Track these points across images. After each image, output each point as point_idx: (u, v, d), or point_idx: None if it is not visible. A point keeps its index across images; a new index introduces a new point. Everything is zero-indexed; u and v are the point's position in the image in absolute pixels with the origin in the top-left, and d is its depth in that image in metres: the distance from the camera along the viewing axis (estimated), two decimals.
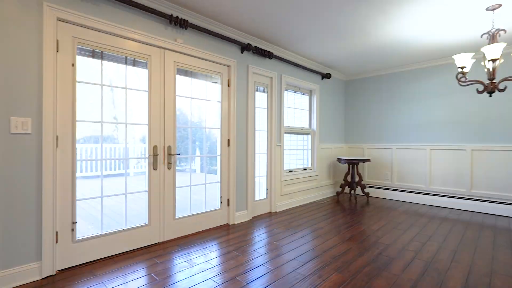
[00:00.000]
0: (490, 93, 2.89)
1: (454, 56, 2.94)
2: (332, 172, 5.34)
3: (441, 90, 4.53)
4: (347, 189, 5.55)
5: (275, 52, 3.97)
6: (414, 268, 2.23)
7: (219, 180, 3.29)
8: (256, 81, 3.73)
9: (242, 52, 3.48)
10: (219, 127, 3.29)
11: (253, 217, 3.71)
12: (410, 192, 4.72)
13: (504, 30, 2.75)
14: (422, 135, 4.69)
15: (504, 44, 2.61)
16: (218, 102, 3.30)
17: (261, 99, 3.88)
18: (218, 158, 3.30)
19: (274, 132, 3.94)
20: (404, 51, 4.13)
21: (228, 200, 3.35)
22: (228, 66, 3.34)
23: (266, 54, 3.67)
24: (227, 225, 3.35)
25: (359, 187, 5.28)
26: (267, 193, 3.92)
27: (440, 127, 4.52)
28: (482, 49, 2.76)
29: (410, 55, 4.30)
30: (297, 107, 4.64)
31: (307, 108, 4.81)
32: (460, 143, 4.32)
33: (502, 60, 2.83)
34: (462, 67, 2.95)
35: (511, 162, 3.90)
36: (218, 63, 3.23)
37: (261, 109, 3.89)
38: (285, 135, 4.31)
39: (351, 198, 5.03)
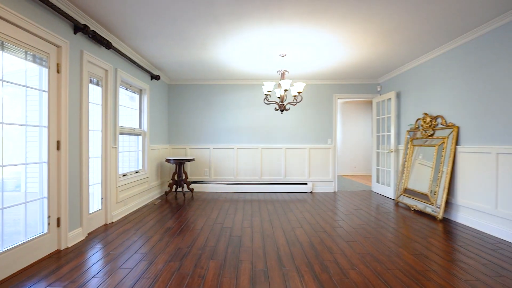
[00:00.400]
0: (282, 111, 4.33)
1: (264, 83, 4.11)
2: (160, 172, 5.37)
3: (246, 103, 5.94)
4: (174, 188, 5.78)
5: (114, 43, 3.49)
6: (256, 239, 3.00)
7: (45, 196, 2.47)
8: (90, 71, 3.11)
9: (75, 33, 2.80)
10: (46, 125, 2.47)
11: (89, 234, 3.08)
12: (224, 183, 5.79)
13: (288, 71, 4.24)
14: (232, 137, 5.91)
15: (290, 81, 4.04)
16: (44, 91, 2.47)
17: (94, 93, 3.27)
18: (43, 166, 2.47)
19: (110, 133, 3.45)
20: (225, 69, 5.04)
21: (59, 219, 2.60)
22: (58, 46, 2.58)
23: (104, 43, 3.17)
24: (58, 251, 2.59)
25: (185, 185, 5.69)
26: (102, 202, 3.36)
27: (244, 132, 5.92)
28: (280, 82, 4.09)
29: (228, 73, 5.31)
30: (129, 106, 4.27)
31: (137, 108, 4.54)
32: (255, 143, 5.91)
33: (288, 90, 4.33)
34: (269, 91, 4.19)
35: (283, 157, 5.91)
36: (45, 39, 2.42)
37: (94, 106, 3.27)
38: (119, 136, 3.87)
39: (177, 195, 5.33)
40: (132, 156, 4.38)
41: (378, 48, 3.99)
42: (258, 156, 5.89)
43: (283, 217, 3.89)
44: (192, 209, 4.31)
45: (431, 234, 3.17)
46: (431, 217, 3.87)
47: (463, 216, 3.57)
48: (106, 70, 3.41)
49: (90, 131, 3.14)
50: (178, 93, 5.93)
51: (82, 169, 2.92)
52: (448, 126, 3.88)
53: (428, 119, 4.29)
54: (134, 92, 4.44)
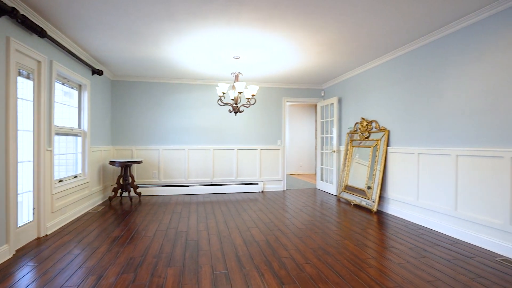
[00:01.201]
0: (236, 113, 4.36)
1: (218, 84, 4.08)
2: (103, 176, 4.89)
3: (198, 103, 5.80)
4: (119, 193, 5.30)
5: (49, 32, 3.06)
6: (214, 241, 2.97)
7: None
8: (19, 62, 2.67)
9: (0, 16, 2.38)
10: None
11: (18, 251, 2.64)
12: (175, 186, 5.56)
13: (241, 73, 4.29)
14: (183, 138, 5.71)
15: (244, 83, 4.09)
16: None
17: (24, 88, 2.81)
18: None
19: (43, 133, 3.02)
20: (178, 67, 4.84)
21: None
22: None
23: (37, 30, 2.76)
24: None
25: (132, 189, 5.28)
26: (34, 213, 2.92)
27: (196, 132, 5.77)
28: (235, 84, 4.12)
29: (181, 72, 5.11)
30: (66, 103, 3.79)
31: (76, 106, 4.06)
32: (207, 144, 5.82)
33: (242, 92, 4.39)
34: (223, 93, 4.17)
35: (235, 158, 5.94)
36: None
37: (24, 102, 2.82)
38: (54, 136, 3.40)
39: (122, 200, 4.93)
40: (70, 159, 3.90)
41: (325, 56, 4.31)
42: (210, 157, 5.82)
43: (238, 217, 3.93)
44: (142, 214, 4.04)
45: (368, 225, 3.56)
46: (368, 210, 4.34)
47: (393, 208, 4.10)
48: (39, 62, 2.97)
49: (19, 131, 2.71)
50: (124, 90, 5.49)
51: (9, 175, 2.50)
52: (381, 129, 4.41)
53: (365, 123, 4.81)
54: (72, 88, 3.96)
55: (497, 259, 2.52)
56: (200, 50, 3.97)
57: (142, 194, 5.38)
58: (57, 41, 3.19)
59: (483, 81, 2.85)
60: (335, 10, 2.80)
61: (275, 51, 4.05)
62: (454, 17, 2.96)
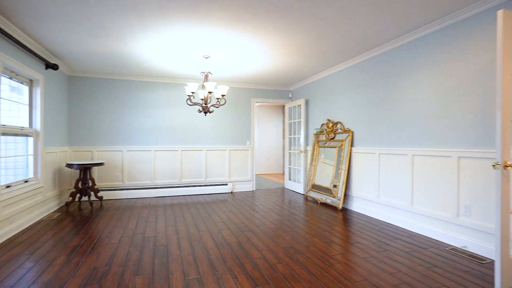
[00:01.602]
0: (205, 113, 4.28)
1: (187, 83, 3.97)
2: (58, 180, 4.47)
3: (166, 103, 5.58)
4: (78, 197, 4.88)
5: None
6: (184, 245, 2.88)
7: None
8: None
9: None
10: None
11: None
12: (140, 188, 5.28)
13: (211, 73, 4.22)
14: (149, 138, 5.45)
15: (215, 83, 4.02)
16: None
17: None
18: None
19: None
20: (144, 65, 4.61)
21: None
22: None
23: None
24: None
25: (92, 193, 4.90)
26: None
27: (163, 132, 5.55)
28: (205, 84, 4.03)
29: (147, 69, 4.87)
30: (15, 100, 3.39)
31: (27, 103, 3.66)
32: (175, 145, 5.63)
33: (212, 92, 4.31)
34: (192, 92, 4.06)
35: (204, 159, 5.82)
36: None
37: None
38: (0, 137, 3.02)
39: (81, 206, 4.56)
40: (20, 162, 3.50)
41: (294, 59, 4.41)
42: (178, 158, 5.63)
43: (208, 219, 3.85)
44: (104, 220, 3.78)
45: (335, 222, 3.72)
46: (334, 208, 4.54)
47: (357, 205, 4.33)
48: None
49: None
50: (83, 87, 5.08)
51: None
52: (346, 131, 4.63)
53: (331, 124, 5.01)
54: (22, 83, 3.56)
55: (447, 248, 2.79)
56: (169, 47, 3.82)
57: (104, 198, 5.03)
58: (4, 31, 2.85)
59: (433, 88, 3.13)
60: (305, 16, 2.88)
61: (246, 52, 4.05)
62: (407, 29, 3.21)
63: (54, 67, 4.05)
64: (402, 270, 2.32)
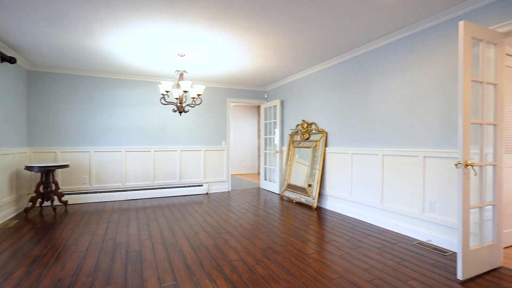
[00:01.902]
0: (180, 112, 4.15)
1: (161, 82, 3.83)
2: (16, 184, 4.07)
3: (138, 101, 5.33)
4: (39, 203, 4.48)
5: None
6: (159, 250, 2.76)
7: None
8: None
9: None
10: None
11: None
12: (110, 191, 4.99)
13: (186, 72, 4.10)
14: (120, 138, 5.18)
15: (190, 82, 3.92)
16: None
17: None
18: None
19: None
20: (115, 61, 4.36)
21: None
22: None
23: None
24: None
25: (56, 197, 4.54)
26: None
27: (135, 132, 5.30)
28: (180, 83, 3.91)
29: (118, 66, 4.61)
30: None
31: None
32: (148, 145, 5.40)
33: (187, 91, 4.19)
34: (166, 91, 3.91)
35: (178, 159, 5.65)
36: None
37: None
38: None
39: (43, 212, 4.21)
40: None
41: (271, 60, 4.43)
42: (151, 158, 5.41)
43: (183, 222, 3.74)
44: (69, 226, 3.52)
45: (311, 221, 3.79)
46: (309, 207, 4.62)
47: (331, 204, 4.45)
48: None
49: None
50: (45, 83, 4.68)
51: None
52: (320, 131, 4.74)
53: (305, 125, 5.10)
54: None
55: (414, 243, 2.95)
56: (142, 44, 3.65)
57: (69, 203, 4.68)
58: None
59: (401, 92, 3.30)
60: (282, 17, 2.89)
61: (223, 51, 3.98)
62: (377, 35, 3.36)
63: (11, 60, 3.68)
64: (375, 266, 2.41)
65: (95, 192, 4.88)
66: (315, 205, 4.49)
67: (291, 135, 5.54)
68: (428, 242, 2.97)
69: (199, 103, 4.14)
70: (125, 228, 3.47)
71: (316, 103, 4.85)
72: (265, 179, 6.57)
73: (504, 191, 2.79)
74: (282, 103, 5.96)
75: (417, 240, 3.05)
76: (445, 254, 2.66)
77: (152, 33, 3.29)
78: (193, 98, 4.13)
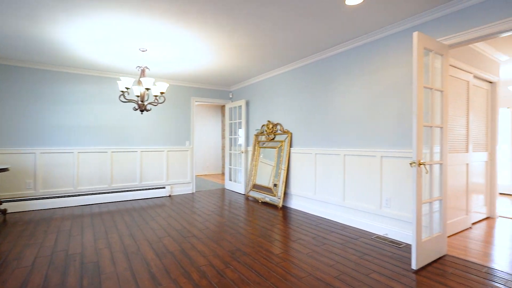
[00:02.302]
0: (142, 111, 3.90)
1: (121, 78, 3.55)
2: None
3: (93, 98, 4.88)
4: None
5: None
6: (119, 260, 2.55)
7: None
8: None
9: None
10: None
11: None
12: (59, 197, 4.50)
13: (148, 68, 3.87)
14: (72, 138, 4.69)
15: (153, 79, 3.70)
16: None
17: None
18: None
19: None
20: (66, 53, 3.94)
21: None
22: None
23: None
24: None
25: None
26: None
27: (89, 132, 4.85)
28: (142, 79, 3.66)
29: (70, 59, 4.18)
30: None
31: None
32: (104, 146, 4.99)
33: (150, 89, 3.95)
34: (126, 88, 3.64)
35: (139, 161, 5.31)
36: None
37: None
38: None
39: None
40: None
41: (237, 60, 4.38)
42: (108, 160, 5.01)
43: (146, 227, 3.52)
44: (10, 238, 3.08)
45: (277, 221, 3.83)
46: (274, 206, 4.68)
47: (296, 203, 4.55)
48: None
49: None
50: None
51: None
52: (285, 132, 4.83)
53: (271, 126, 5.16)
54: None
55: (373, 237, 3.15)
56: (99, 36, 3.34)
57: (9, 211, 4.11)
58: None
59: (361, 95, 3.50)
60: (251, 18, 2.87)
61: (188, 49, 3.83)
62: (340, 40, 3.52)
63: None
64: (340, 261, 2.51)
65: (42, 198, 4.36)
66: (280, 205, 4.55)
67: (257, 136, 5.55)
68: (385, 235, 3.19)
69: (162, 102, 3.93)
70: (78, 237, 3.14)
71: (282, 104, 4.93)
72: (230, 180, 6.50)
73: (448, 187, 3.11)
74: (247, 104, 5.95)
75: (376, 234, 3.25)
76: (400, 246, 2.87)
77: (112, 26, 3.03)
78: (156, 96, 3.91)
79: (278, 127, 5.03)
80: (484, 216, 3.95)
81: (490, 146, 4.02)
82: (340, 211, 3.78)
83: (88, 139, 4.85)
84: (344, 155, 3.71)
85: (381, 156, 3.25)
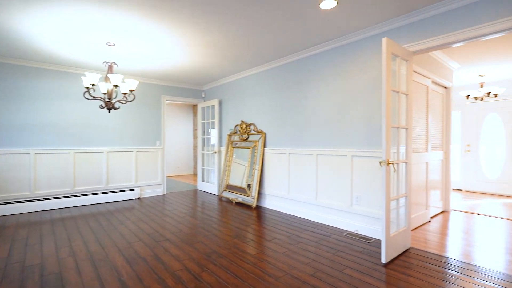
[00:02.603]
0: (110, 109, 3.65)
1: (86, 73, 3.30)
2: None
3: (53, 94, 4.47)
4: None
5: None
6: (85, 269, 2.36)
7: None
8: None
9: None
10: None
11: None
12: (13, 202, 4.06)
13: (117, 64, 3.64)
14: (27, 138, 4.27)
15: (122, 76, 3.49)
16: None
17: None
18: None
19: None
20: (24, 45, 3.58)
21: None
22: None
23: None
24: None
25: None
26: None
27: (49, 131, 4.44)
28: (109, 76, 3.43)
29: (29, 51, 3.79)
30: None
31: None
32: (66, 147, 4.60)
33: (118, 86, 3.72)
34: (92, 84, 3.39)
35: (105, 162, 4.98)
36: None
37: None
38: None
39: None
40: None
41: (211, 59, 4.29)
42: (70, 162, 4.62)
43: (114, 232, 3.30)
44: None
45: (252, 221, 3.82)
46: (248, 206, 4.66)
47: (270, 202, 4.58)
48: None
49: None
50: None
51: None
52: (259, 132, 4.83)
53: (244, 126, 5.13)
54: None
55: (344, 234, 3.26)
56: (61, 27, 3.06)
57: None
58: None
59: (334, 97, 3.61)
60: (229, 17, 2.82)
61: (160, 45, 3.67)
62: (312, 43, 3.60)
63: None
64: (315, 259, 2.56)
65: None
66: (254, 204, 4.54)
67: (230, 136, 5.49)
68: (355, 232, 3.32)
69: (132, 100, 3.72)
70: (37, 246, 2.86)
71: (256, 104, 4.92)
72: (203, 180, 6.37)
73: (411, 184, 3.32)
74: (220, 103, 5.86)
75: (347, 230, 3.37)
76: (370, 242, 3.00)
77: (74, 15, 2.79)
78: (125, 94, 3.69)
79: (252, 127, 5.02)
80: (440, 210, 4.29)
81: (445, 145, 4.38)
82: (313, 210, 3.87)
83: (48, 139, 4.44)
84: (317, 155, 3.81)
85: (352, 156, 3.38)
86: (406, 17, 2.83)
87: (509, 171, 5.66)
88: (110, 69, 3.63)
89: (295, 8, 2.67)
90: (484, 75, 5.27)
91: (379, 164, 3.09)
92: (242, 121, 5.16)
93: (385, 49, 2.47)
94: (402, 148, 2.89)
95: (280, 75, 4.41)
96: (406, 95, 2.82)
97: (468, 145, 6.25)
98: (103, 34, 3.28)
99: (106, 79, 3.57)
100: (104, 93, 3.57)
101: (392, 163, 2.49)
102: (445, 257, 2.62)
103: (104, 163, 4.99)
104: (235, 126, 5.38)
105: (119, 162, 5.17)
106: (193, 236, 3.17)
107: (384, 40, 2.47)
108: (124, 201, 5.04)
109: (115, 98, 3.64)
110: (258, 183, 4.62)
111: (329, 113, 3.66)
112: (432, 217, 3.98)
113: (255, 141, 4.86)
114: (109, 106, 3.61)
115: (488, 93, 5.24)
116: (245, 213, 4.20)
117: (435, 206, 4.10)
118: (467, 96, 5.48)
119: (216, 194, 5.76)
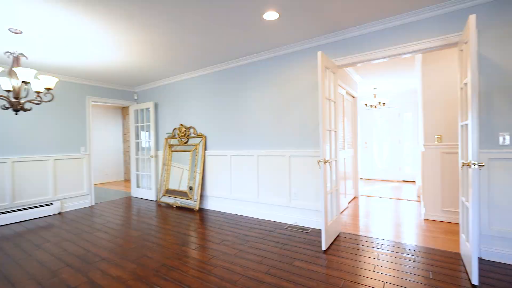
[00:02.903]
0: (16, 110, 2.77)
1: None
2: None
3: None
4: None
5: None
6: None
7: None
8: None
9: None
10: None
11: None
12: None
13: (26, 56, 2.80)
14: None
15: (34, 71, 2.69)
16: None
17: None
18: None
19: None
20: None
21: None
22: None
23: None
24: None
25: None
26: None
27: None
28: (15, 70, 2.59)
29: None
30: None
31: None
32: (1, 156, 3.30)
33: (28, 83, 2.85)
34: None
35: (8, 176, 3.79)
36: None
37: None
38: None
39: None
40: None
41: (145, 58, 3.76)
42: (8, 172, 3.34)
43: (29, 261, 2.50)
44: None
45: (197, 225, 3.50)
46: (191, 210, 4.29)
47: (212, 204, 4.31)
48: None
49: None
50: None
51: None
52: (199, 135, 4.50)
53: (183, 129, 4.71)
54: None
55: (285, 227, 3.30)
56: None
57: None
58: None
59: (272, 102, 3.63)
60: (171, 13, 2.47)
61: (82, 37, 2.98)
62: (252, 51, 3.55)
63: None
64: (266, 256, 2.48)
65: None
66: (197, 207, 4.21)
67: (168, 139, 4.97)
68: (295, 224, 3.41)
69: (49, 100, 2.92)
70: None
71: (195, 107, 4.57)
72: (138, 187, 5.59)
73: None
74: (156, 106, 5.25)
75: (288, 224, 3.43)
76: (308, 231, 3.12)
77: None
78: (39, 92, 2.86)
79: (192, 130, 4.65)
80: (353, 196, 4.85)
81: (354, 144, 4.98)
82: (255, 207, 3.81)
83: None
84: (258, 156, 3.76)
85: (290, 156, 3.46)
86: (333, 35, 3.04)
87: (391, 162, 6.88)
88: (16, 61, 2.75)
89: (240, 17, 2.54)
90: (376, 88, 6.24)
91: (317, 162, 3.23)
92: (181, 125, 4.72)
93: (320, 62, 2.58)
94: (333, 148, 3.10)
95: (221, 79, 4.20)
96: (334, 102, 3.03)
97: (366, 143, 7.32)
98: (4, 17, 2.45)
99: (12, 73, 2.69)
100: (9, 91, 2.68)
101: (329, 161, 2.62)
102: (367, 236, 2.91)
103: (7, 176, 3.79)
104: (174, 130, 4.89)
105: (30, 173, 4.03)
106: (135, 251, 2.68)
107: (319, 53, 2.58)
108: (39, 218, 3.95)
109: (25, 97, 2.78)
110: (200, 186, 4.30)
111: (269, 117, 3.67)
112: (349, 203, 4.45)
113: (196, 144, 4.52)
114: (16, 107, 2.73)
115: (380, 102, 6.24)
116: (188, 217, 3.83)
117: (349, 194, 4.61)
118: (366, 104, 6.40)
119: (154, 200, 5.13)
